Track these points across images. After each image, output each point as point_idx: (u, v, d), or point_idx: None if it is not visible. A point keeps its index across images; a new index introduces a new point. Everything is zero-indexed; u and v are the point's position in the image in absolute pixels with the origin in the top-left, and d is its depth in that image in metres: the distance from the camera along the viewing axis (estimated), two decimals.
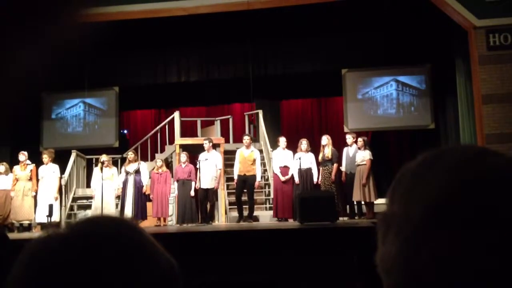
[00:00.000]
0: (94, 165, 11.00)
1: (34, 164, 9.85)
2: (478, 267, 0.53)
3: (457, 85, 9.96)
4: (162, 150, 11.73)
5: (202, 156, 9.57)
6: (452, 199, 0.55)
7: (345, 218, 8.96)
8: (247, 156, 9.59)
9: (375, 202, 8.98)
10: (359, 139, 9.26)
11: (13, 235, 8.13)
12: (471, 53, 9.18)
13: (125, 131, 13.93)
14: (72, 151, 11.40)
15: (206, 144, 9.66)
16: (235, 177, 9.63)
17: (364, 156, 9.04)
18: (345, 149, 9.50)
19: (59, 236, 0.65)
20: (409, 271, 0.56)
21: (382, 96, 11.57)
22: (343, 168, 9.39)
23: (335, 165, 9.28)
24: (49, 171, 9.83)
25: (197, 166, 9.54)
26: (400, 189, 0.61)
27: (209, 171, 9.47)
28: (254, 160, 9.55)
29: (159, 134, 12.12)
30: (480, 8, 9.00)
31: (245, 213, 9.54)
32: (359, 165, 9.06)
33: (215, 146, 10.30)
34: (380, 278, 0.62)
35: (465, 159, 0.59)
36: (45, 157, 9.90)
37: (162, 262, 0.66)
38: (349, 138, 9.49)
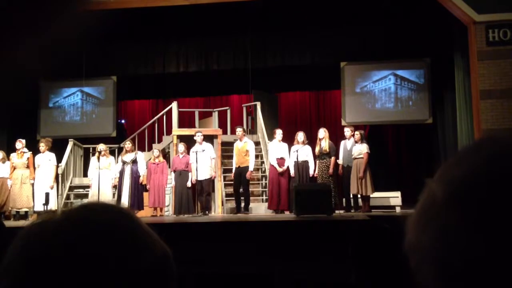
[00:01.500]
0: (91, 154, 10.98)
1: (31, 152, 9.83)
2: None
3: (456, 80, 9.95)
4: (160, 141, 11.72)
5: (198, 148, 9.58)
6: (477, 195, 0.55)
7: (342, 211, 8.98)
8: (240, 148, 9.71)
9: (371, 195, 9.00)
10: (356, 133, 9.27)
11: (9, 223, 8.13)
12: (470, 48, 9.16)
13: (123, 121, 13.89)
14: (69, 140, 11.38)
15: (200, 137, 9.69)
16: (234, 170, 9.73)
17: (361, 149, 9.05)
18: (342, 142, 9.51)
19: (53, 222, 0.64)
20: (439, 259, 0.57)
21: (381, 90, 11.55)
22: (340, 161, 9.40)
23: (333, 158, 9.29)
24: (46, 159, 9.80)
25: (190, 161, 9.54)
26: (442, 175, 0.61)
27: (206, 162, 9.51)
28: (247, 151, 9.62)
29: (156, 124, 12.11)
30: (480, 3, 8.97)
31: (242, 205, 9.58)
32: (356, 158, 9.07)
33: (212, 137, 10.33)
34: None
35: (496, 154, 0.58)
36: (42, 146, 9.87)
37: (157, 250, 0.66)
38: (347, 131, 9.50)
